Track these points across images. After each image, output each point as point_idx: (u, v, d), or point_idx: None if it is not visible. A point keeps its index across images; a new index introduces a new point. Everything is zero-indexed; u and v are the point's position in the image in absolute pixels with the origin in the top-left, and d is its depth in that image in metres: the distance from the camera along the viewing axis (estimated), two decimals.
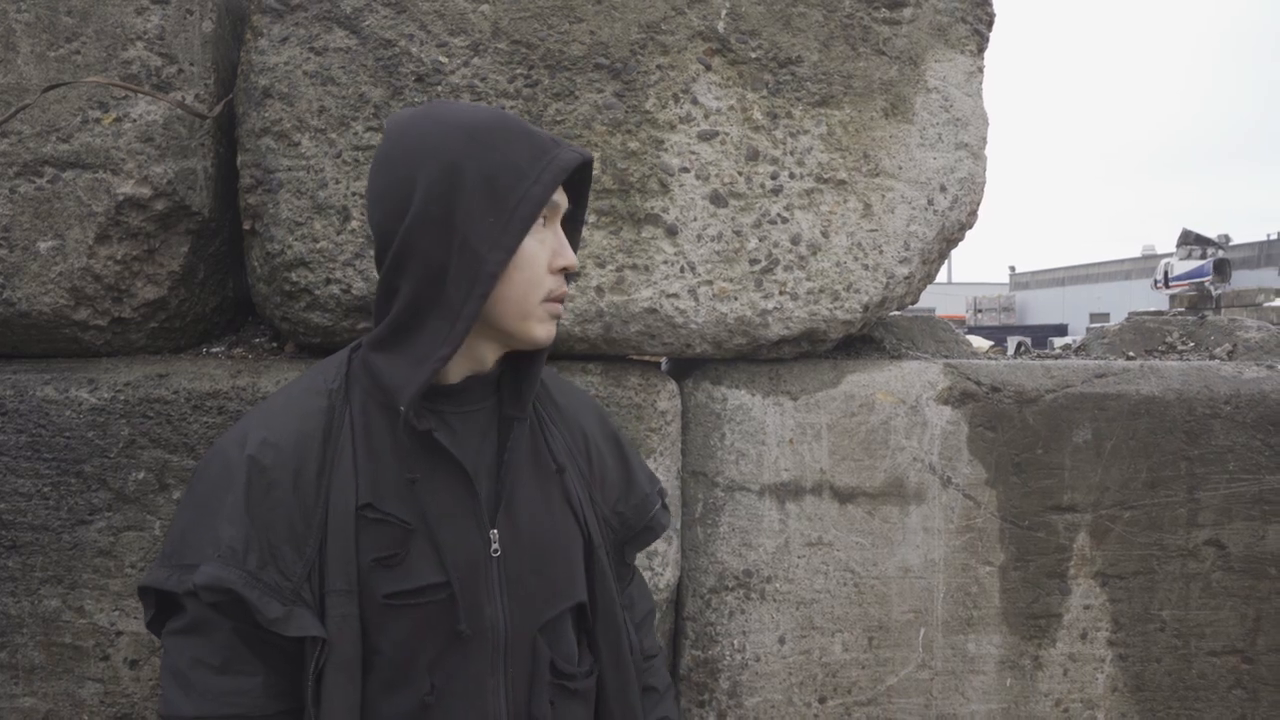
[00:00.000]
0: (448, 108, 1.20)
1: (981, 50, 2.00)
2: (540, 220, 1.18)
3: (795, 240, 1.90)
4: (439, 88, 1.82)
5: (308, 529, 1.12)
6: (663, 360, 2.19)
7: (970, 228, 2.03)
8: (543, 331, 1.20)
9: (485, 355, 1.22)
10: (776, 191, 1.90)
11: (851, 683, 1.96)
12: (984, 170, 1.99)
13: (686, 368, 2.05)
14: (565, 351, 1.88)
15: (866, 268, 1.93)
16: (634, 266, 1.86)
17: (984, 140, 1.98)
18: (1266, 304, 32.85)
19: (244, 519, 1.11)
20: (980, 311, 54.03)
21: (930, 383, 1.98)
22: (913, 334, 2.30)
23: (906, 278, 1.95)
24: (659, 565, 1.91)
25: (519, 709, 1.20)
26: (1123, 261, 43.94)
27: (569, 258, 1.20)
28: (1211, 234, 39.77)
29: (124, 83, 1.75)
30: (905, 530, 1.97)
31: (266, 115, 1.79)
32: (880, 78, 1.93)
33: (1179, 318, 2.40)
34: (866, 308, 1.94)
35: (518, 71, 1.84)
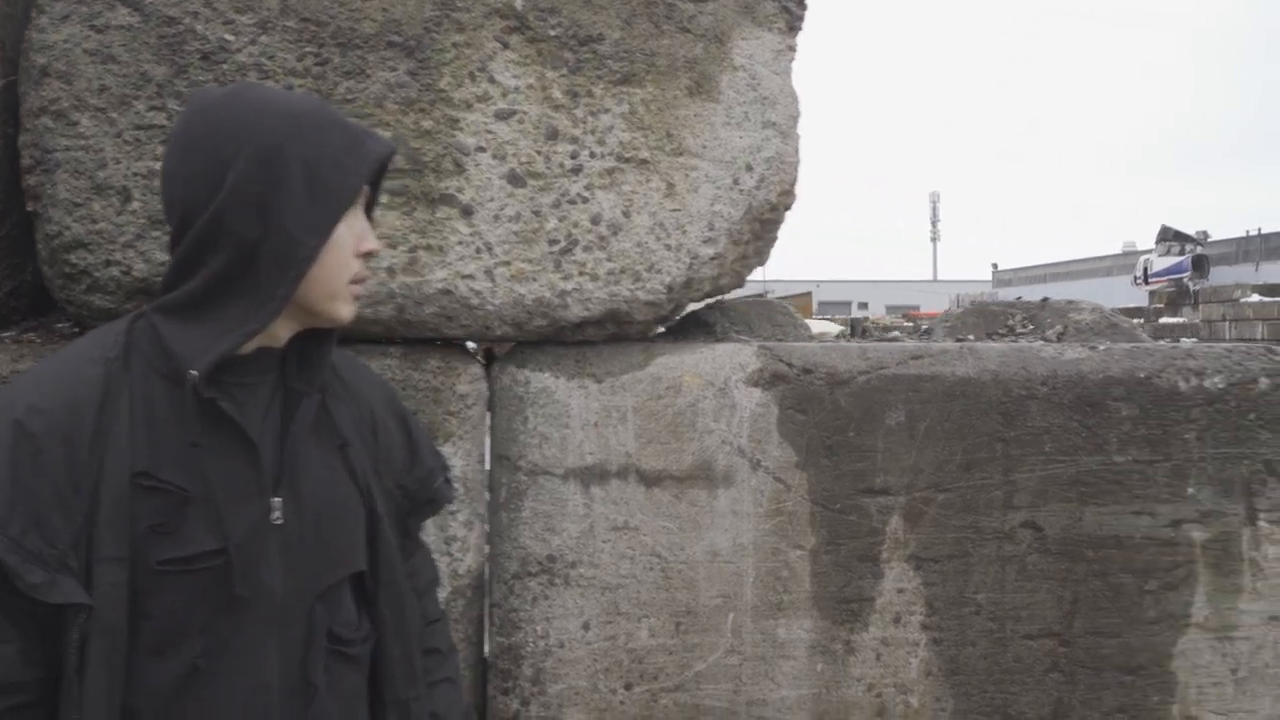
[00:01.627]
0: (260, 91, 1.29)
1: (793, 28, 1.97)
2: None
3: (596, 220, 1.88)
4: (225, 66, 1.78)
5: (77, 496, 1.14)
6: (478, 346, 2.17)
7: (786, 208, 2.01)
8: (347, 311, 1.29)
9: (280, 331, 1.27)
10: (576, 171, 1.88)
11: (658, 669, 1.94)
12: (795, 150, 1.97)
13: (508, 351, 2.02)
14: (359, 334, 1.85)
15: (669, 248, 1.91)
16: (428, 247, 1.84)
17: (793, 119, 1.96)
18: (1243, 299, 33.03)
19: (7, 485, 1.13)
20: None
21: (741, 365, 1.96)
22: (749, 318, 2.28)
23: (713, 258, 1.93)
24: (458, 551, 1.89)
25: (293, 674, 1.24)
26: (1103, 258, 44.14)
27: (373, 242, 1.30)
28: (1191, 230, 39.99)
29: None
30: (714, 514, 1.94)
31: (44, 94, 1.75)
32: (685, 55, 1.91)
33: (1022, 301, 2.39)
34: (670, 288, 1.91)
35: (307, 50, 1.81)
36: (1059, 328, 2.21)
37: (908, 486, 1.98)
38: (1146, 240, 41.67)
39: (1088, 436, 2.01)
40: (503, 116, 1.86)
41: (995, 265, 55.32)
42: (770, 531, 1.96)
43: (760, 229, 1.99)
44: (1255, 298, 31.98)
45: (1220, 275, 37.25)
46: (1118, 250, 45.80)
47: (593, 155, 1.88)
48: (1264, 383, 2.05)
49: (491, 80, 1.86)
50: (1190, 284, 36.02)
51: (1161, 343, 2.19)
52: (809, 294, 31.52)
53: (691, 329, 2.21)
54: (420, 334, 1.88)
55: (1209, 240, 40.06)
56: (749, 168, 1.93)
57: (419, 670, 1.40)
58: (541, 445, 1.91)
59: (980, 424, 1.99)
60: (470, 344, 2.04)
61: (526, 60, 1.87)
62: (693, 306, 2.11)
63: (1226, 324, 32.53)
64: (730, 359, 1.97)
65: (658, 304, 1.92)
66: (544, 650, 1.92)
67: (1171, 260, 37.71)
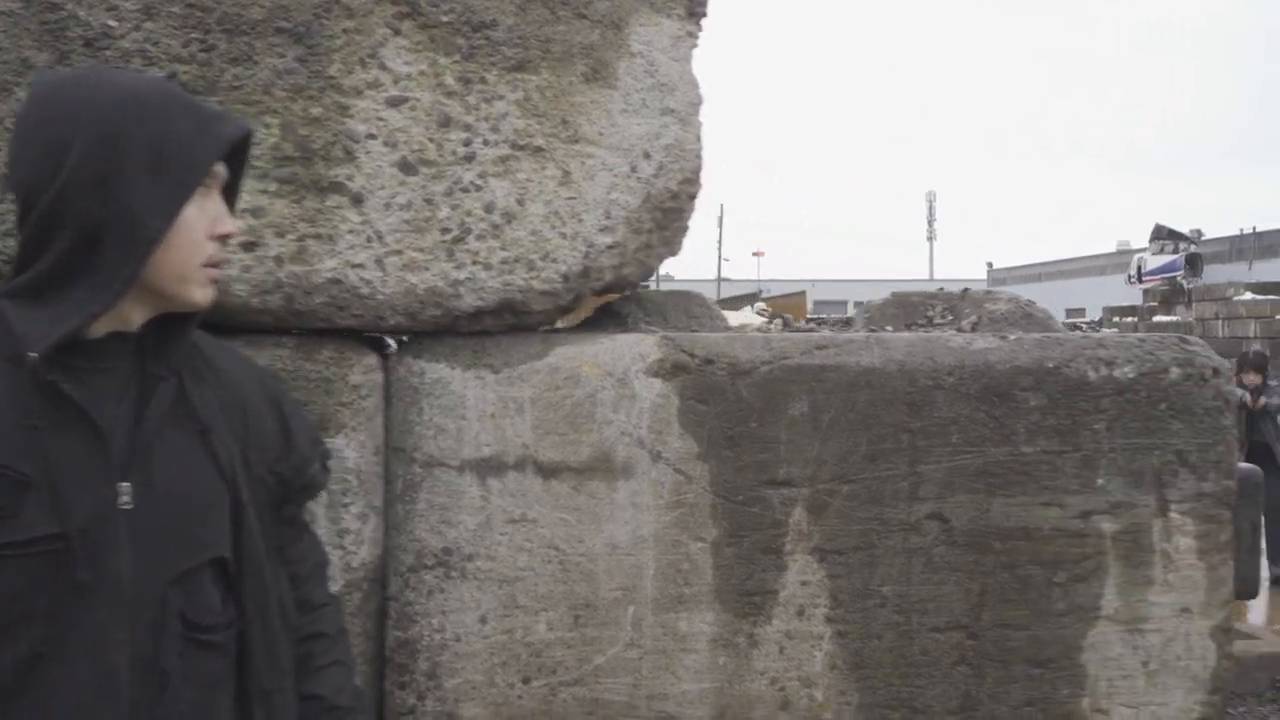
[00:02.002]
0: (103, 73, 1.29)
1: (693, 14, 1.95)
2: (201, 188, 1.25)
3: (489, 209, 1.86)
4: (108, 52, 1.76)
5: None
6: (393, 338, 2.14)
7: (690, 197, 1.98)
8: (201, 295, 1.29)
9: (132, 315, 1.27)
10: (470, 159, 1.85)
11: (557, 663, 1.92)
12: (696, 137, 1.95)
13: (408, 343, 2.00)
14: (250, 324, 1.83)
15: (565, 236, 1.88)
16: (317, 236, 1.81)
17: (693, 106, 1.94)
18: (1236, 298, 33.02)
19: None
20: None
21: (642, 355, 1.94)
22: (665, 309, 2.26)
23: (610, 247, 1.91)
24: (351, 544, 1.86)
25: (144, 660, 1.22)
26: (1098, 257, 44.13)
27: (228, 225, 1.31)
28: (1185, 229, 39.96)
29: None
30: (613, 506, 1.92)
31: None
32: (581, 42, 1.89)
33: (943, 292, 2.36)
34: (566, 278, 1.89)
35: (193, 35, 1.78)
36: (974, 318, 2.19)
37: (811, 478, 1.95)
38: (1141, 239, 41.67)
39: (995, 427, 1.99)
40: (394, 104, 1.83)
41: (990, 264, 55.32)
42: (671, 524, 1.93)
43: (663, 218, 1.97)
44: (1248, 296, 31.99)
45: (1214, 274, 37.26)
46: (1112, 249, 45.78)
47: (486, 143, 1.86)
48: (1175, 372, 2.03)
49: (382, 67, 1.83)
50: (1184, 282, 36.01)
51: (1074, 333, 2.16)
52: (804, 293, 31.50)
53: (606, 321, 2.19)
54: (312, 324, 1.86)
55: (1203, 239, 40.04)
56: (647, 155, 1.91)
57: (284, 660, 1.38)
58: (437, 437, 1.89)
59: (885, 415, 1.97)
60: (390, 340, 2.03)
61: (418, 47, 1.84)
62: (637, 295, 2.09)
63: (1220, 322, 32.52)
64: (631, 349, 1.94)
65: (555, 293, 1.90)
66: (440, 644, 1.90)
67: (1165, 259, 37.66)
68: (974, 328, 2.18)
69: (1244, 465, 2.44)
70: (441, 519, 1.89)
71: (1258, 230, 38.89)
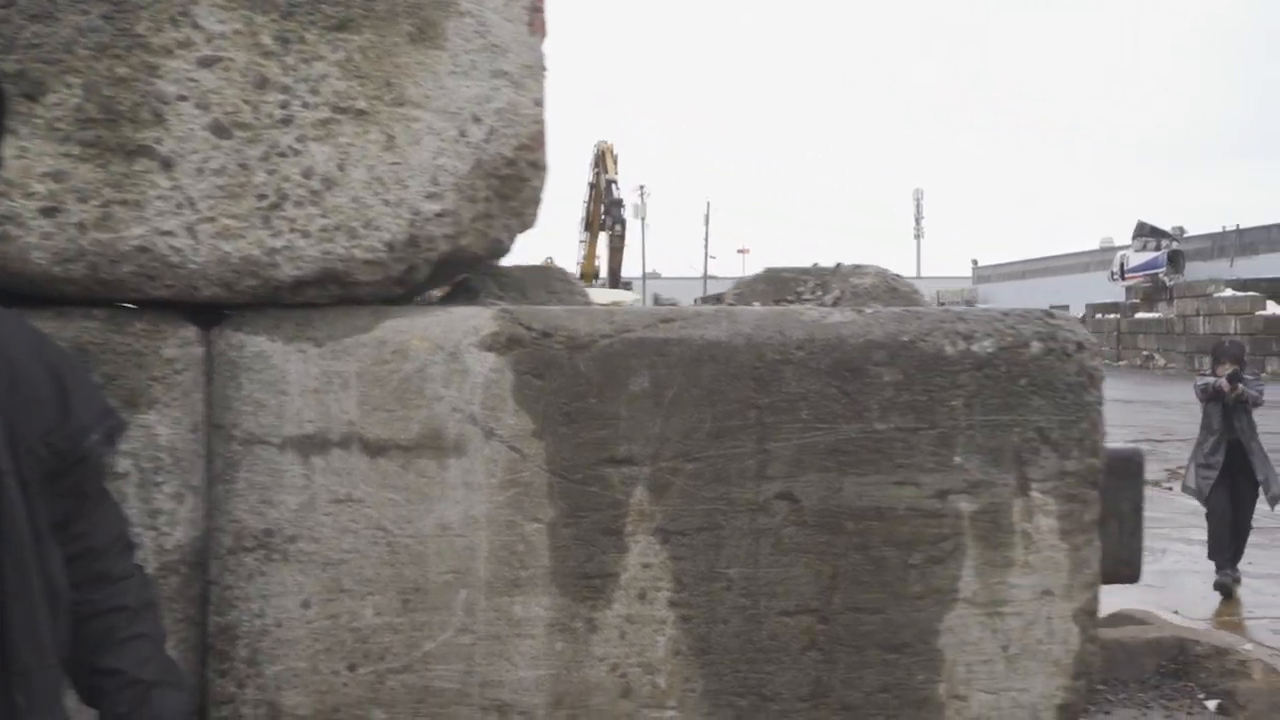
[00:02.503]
0: None
1: None
2: None
3: (308, 174, 1.78)
4: None
5: None
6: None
7: (533, 164, 1.90)
8: None
9: None
10: (287, 122, 1.77)
11: (385, 649, 1.84)
12: (534, 101, 1.87)
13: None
14: (54, 293, 1.75)
15: (388, 203, 1.80)
16: (123, 202, 1.73)
17: (528, 69, 1.86)
18: (1216, 295, 33.07)
19: None
20: (943, 305, 54.14)
21: (475, 328, 1.86)
22: (523, 284, 2.18)
23: (440, 215, 1.83)
24: (165, 525, 1.78)
25: None
26: (1081, 254, 44.17)
27: None
28: (1168, 226, 40.02)
29: None
30: (444, 485, 1.84)
31: None
32: (406, 0, 1.81)
33: (816, 267, 2.29)
34: (392, 246, 1.81)
35: None
36: (837, 292, 2.11)
37: (654, 456, 1.88)
38: (1125, 236, 41.75)
39: (848, 403, 1.91)
40: (206, 64, 1.75)
41: (975, 261, 55.37)
42: (505, 504, 1.85)
43: (501, 186, 1.89)
44: (1229, 293, 32.08)
45: (1196, 271, 37.34)
46: (1095, 246, 45.84)
47: (305, 105, 1.78)
48: (1036, 347, 1.96)
49: (195, 25, 1.75)
50: (1166, 279, 36.06)
51: (936, 308, 2.09)
52: None
53: (459, 296, 2.12)
54: (121, 295, 1.78)
55: (1185, 236, 40.12)
56: (477, 119, 1.83)
57: (47, 638, 1.31)
58: (257, 413, 1.81)
59: (731, 390, 1.89)
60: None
61: (233, 4, 1.76)
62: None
63: (1200, 319, 32.58)
64: (465, 323, 1.86)
65: (381, 263, 1.82)
66: (260, 630, 1.81)
67: (1148, 256, 37.70)
68: (836, 302, 2.11)
69: (1125, 446, 2.38)
70: (262, 499, 1.81)
71: (1240, 228, 38.99)
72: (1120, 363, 39.25)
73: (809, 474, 1.91)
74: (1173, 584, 7.55)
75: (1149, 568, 7.87)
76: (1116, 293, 38.90)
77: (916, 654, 1.94)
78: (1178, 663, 2.35)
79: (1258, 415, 7.37)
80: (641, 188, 58.09)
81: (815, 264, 2.31)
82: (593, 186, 40.93)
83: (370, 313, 1.87)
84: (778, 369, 1.90)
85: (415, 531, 1.84)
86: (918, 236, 75.94)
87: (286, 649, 1.82)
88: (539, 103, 1.88)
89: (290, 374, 1.81)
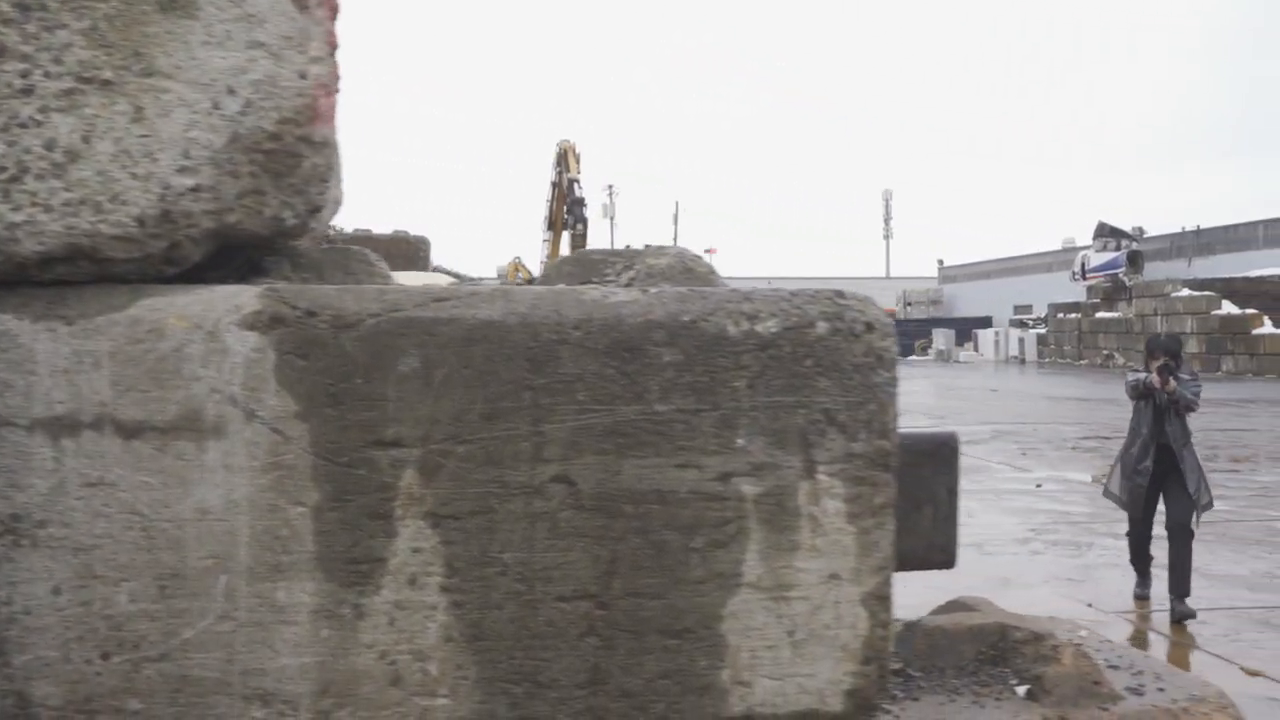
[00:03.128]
0: None
1: None
2: None
3: (50, 146, 1.72)
4: None
5: None
6: None
7: (302, 139, 1.85)
8: None
9: None
10: (28, 92, 1.71)
11: (140, 636, 1.78)
12: (298, 74, 1.82)
13: None
14: None
15: (136, 177, 1.75)
16: None
17: (288, 40, 1.81)
18: (1174, 294, 33.44)
19: None
20: (910, 305, 54.46)
21: (237, 307, 1.81)
22: (320, 266, 2.14)
23: (194, 189, 1.78)
24: None
25: None
26: (1044, 254, 44.50)
27: None
28: (1128, 227, 40.42)
29: None
30: (203, 468, 1.79)
31: None
32: None
33: (627, 249, 2.26)
34: (142, 222, 1.76)
35: None
36: (632, 273, 2.08)
37: (424, 438, 1.83)
38: (1087, 236, 42.12)
39: (626, 384, 1.88)
40: None
41: (941, 262, 55.68)
42: (267, 487, 1.80)
43: (268, 161, 1.84)
44: (1185, 292, 32.47)
45: (1155, 270, 37.75)
46: (1058, 246, 46.21)
47: (48, 75, 1.72)
48: (822, 327, 1.93)
49: None
50: (1125, 279, 36.43)
51: (724, 289, 2.06)
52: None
53: (250, 278, 2.06)
54: None
55: (1145, 236, 40.54)
56: (232, 91, 1.78)
57: None
58: (3, 394, 1.75)
59: (505, 371, 1.85)
60: None
61: None
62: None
63: (1158, 318, 32.95)
64: (226, 301, 1.81)
65: (135, 239, 1.76)
66: (8, 618, 1.75)
67: (1108, 256, 38.08)
68: (631, 282, 2.07)
69: (942, 430, 2.37)
70: (10, 483, 1.75)
71: (1199, 228, 39.45)
72: (1081, 361, 39.59)
73: (586, 456, 1.87)
74: (1092, 578, 7.59)
75: (1072, 562, 7.94)
76: (1079, 292, 39.26)
77: (699, 640, 1.91)
78: (997, 649, 2.34)
79: (1191, 420, 6.93)
80: (610, 187, 58.05)
81: (627, 246, 2.27)
82: (555, 185, 40.90)
83: (128, 291, 1.81)
84: (553, 349, 1.86)
85: (173, 516, 1.79)
86: (886, 237, 76.35)
87: (36, 637, 1.76)
88: (302, 75, 1.83)
89: (39, 353, 1.75)
